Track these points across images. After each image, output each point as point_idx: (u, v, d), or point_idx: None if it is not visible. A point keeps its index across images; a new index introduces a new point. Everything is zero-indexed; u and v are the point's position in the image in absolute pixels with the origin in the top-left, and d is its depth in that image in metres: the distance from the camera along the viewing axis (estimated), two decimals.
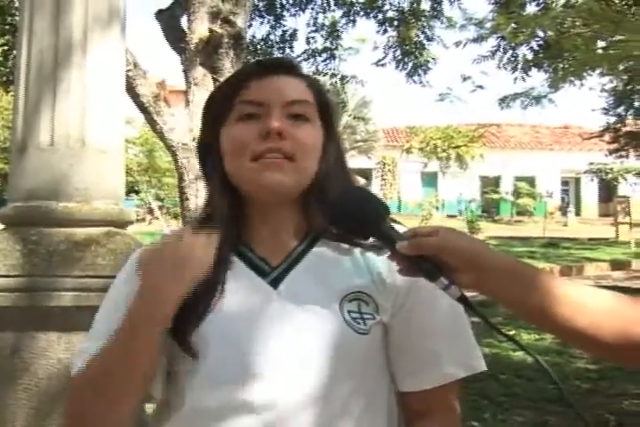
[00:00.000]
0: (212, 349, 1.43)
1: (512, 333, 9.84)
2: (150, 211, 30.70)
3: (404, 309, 1.51)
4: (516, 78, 14.33)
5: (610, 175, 39.91)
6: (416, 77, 14.40)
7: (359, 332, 1.45)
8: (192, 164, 6.81)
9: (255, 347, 1.42)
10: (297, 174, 1.47)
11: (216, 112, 1.53)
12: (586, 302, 1.31)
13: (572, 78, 12.59)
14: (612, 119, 26.59)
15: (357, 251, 1.53)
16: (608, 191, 43.91)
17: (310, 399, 1.41)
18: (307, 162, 1.48)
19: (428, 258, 1.33)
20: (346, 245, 1.52)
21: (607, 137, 28.16)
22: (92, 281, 2.75)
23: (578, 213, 43.21)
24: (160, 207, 29.23)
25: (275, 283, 1.48)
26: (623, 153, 28.97)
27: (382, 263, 1.50)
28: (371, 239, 1.42)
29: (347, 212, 1.39)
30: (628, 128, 27.29)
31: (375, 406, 1.50)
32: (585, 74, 12.22)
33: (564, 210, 42.15)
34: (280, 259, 1.51)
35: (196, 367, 1.44)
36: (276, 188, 1.46)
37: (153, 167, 28.27)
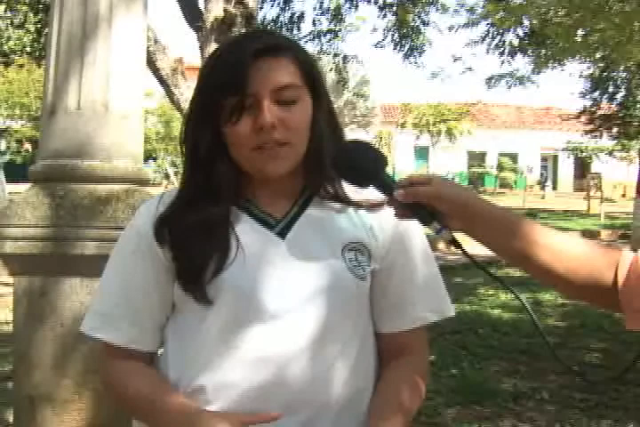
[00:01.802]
0: (227, 296, 1.43)
1: (490, 293, 9.92)
2: (167, 176, 30.65)
3: (388, 257, 1.53)
4: (502, 62, 14.30)
5: (584, 153, 39.90)
6: (412, 59, 14.34)
7: (359, 277, 1.48)
8: None
9: (269, 293, 1.44)
10: (293, 156, 1.47)
11: (207, 101, 1.46)
12: (564, 249, 1.33)
13: (553, 64, 12.56)
14: (589, 103, 26.59)
15: (350, 208, 1.54)
16: (582, 168, 43.90)
17: (319, 334, 1.44)
18: (301, 140, 1.47)
19: (423, 204, 1.35)
20: (339, 204, 1.54)
21: (583, 119, 28.18)
22: (112, 232, 2.76)
23: (554, 188, 43.23)
24: (175, 173, 29.17)
25: (281, 234, 1.49)
26: (597, 134, 29.01)
27: (372, 218, 1.52)
28: (370, 187, 1.42)
29: (350, 162, 1.40)
30: (602, 111, 27.30)
31: (367, 348, 1.53)
32: (565, 60, 12.17)
33: (542, 184, 42.12)
34: (282, 213, 1.51)
35: (207, 314, 1.45)
36: (275, 174, 1.46)
37: (169, 136, 28.18)
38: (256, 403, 1.42)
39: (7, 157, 24.42)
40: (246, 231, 1.48)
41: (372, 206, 1.49)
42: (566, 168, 47.82)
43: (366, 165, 1.40)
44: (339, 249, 1.48)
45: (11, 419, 4.54)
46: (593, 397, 5.53)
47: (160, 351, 1.57)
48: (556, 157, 47.63)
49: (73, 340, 2.88)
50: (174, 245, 1.47)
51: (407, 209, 1.37)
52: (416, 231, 1.56)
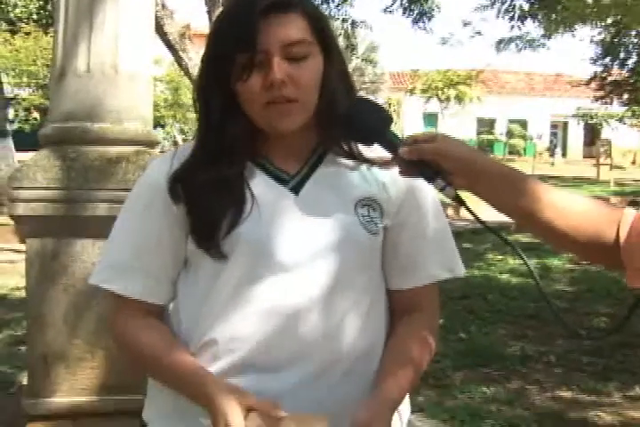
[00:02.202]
0: (241, 251, 1.44)
1: (499, 258, 9.94)
2: (175, 143, 30.61)
3: (400, 214, 1.54)
4: (512, 27, 14.16)
5: (595, 120, 39.66)
6: (421, 24, 14.22)
7: (372, 232, 1.49)
8: None
9: (283, 247, 1.45)
10: (304, 112, 1.46)
11: (218, 59, 1.45)
12: (568, 207, 1.33)
13: (564, 29, 12.42)
14: (599, 69, 26.38)
15: (363, 165, 1.55)
16: (592, 135, 43.64)
17: (331, 289, 1.46)
18: (311, 97, 1.47)
19: (427, 162, 1.35)
20: (352, 161, 1.55)
21: (594, 85, 27.97)
22: (123, 194, 2.77)
23: (564, 155, 43.07)
24: (184, 140, 29.13)
25: (295, 190, 1.50)
26: (607, 100, 28.83)
27: (385, 175, 1.53)
28: (375, 145, 1.43)
29: (355, 120, 1.40)
30: (612, 77, 27.08)
31: (378, 303, 1.55)
32: (575, 25, 12.04)
33: (551, 151, 41.94)
34: (296, 170, 1.52)
35: (221, 269, 1.46)
36: (287, 130, 1.46)
37: (178, 103, 28.10)
38: (266, 355, 1.44)
39: (15, 126, 24.41)
40: (260, 187, 1.49)
41: (385, 163, 1.50)
42: (576, 135, 47.55)
43: (371, 122, 1.41)
44: (351, 205, 1.50)
45: (25, 381, 4.62)
46: (600, 360, 5.58)
47: (170, 306, 1.58)
48: (565, 124, 47.38)
49: (85, 300, 2.92)
50: (188, 202, 1.47)
51: (411, 167, 1.38)
52: (428, 189, 1.55)
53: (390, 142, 1.40)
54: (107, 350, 2.94)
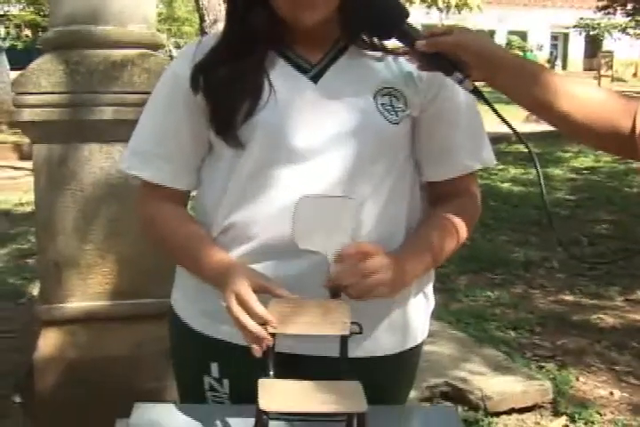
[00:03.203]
0: (258, 138, 1.45)
1: (500, 168, 9.96)
2: (171, 58, 30.16)
3: (432, 105, 1.53)
4: None
5: (596, 31, 39.10)
6: None
7: (390, 121, 1.48)
8: (212, 4, 6.66)
9: (300, 134, 1.45)
10: (328, 4, 1.44)
11: None
12: (585, 98, 1.33)
13: None
14: None
15: (389, 57, 1.53)
16: (593, 47, 43.12)
17: (348, 176, 1.46)
18: None
19: (445, 55, 1.34)
20: (377, 53, 1.53)
21: None
22: (128, 97, 2.77)
23: (564, 67, 42.65)
24: None
25: (315, 79, 1.49)
26: (611, 10, 28.34)
27: (412, 65, 1.52)
28: (393, 39, 1.42)
29: (374, 13, 1.38)
30: None
31: (398, 193, 1.54)
32: None
33: (552, 63, 41.46)
34: (318, 58, 1.51)
35: (239, 157, 1.47)
36: (310, 22, 1.44)
37: (172, 17, 27.64)
38: (282, 241, 1.45)
39: (7, 44, 23.99)
40: (281, 76, 1.49)
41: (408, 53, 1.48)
42: (577, 47, 47.00)
43: (389, 15, 1.39)
44: (371, 93, 1.49)
45: (34, 292, 4.68)
46: (601, 265, 5.65)
47: (195, 193, 1.63)
48: (566, 36, 46.74)
49: (94, 205, 2.92)
50: (207, 91, 1.48)
51: (429, 60, 1.37)
52: None
53: (408, 35, 1.39)
54: (118, 254, 2.96)
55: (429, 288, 1.66)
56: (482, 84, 1.39)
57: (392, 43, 1.50)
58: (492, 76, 1.35)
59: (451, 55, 1.34)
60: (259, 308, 1.32)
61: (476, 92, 1.38)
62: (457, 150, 1.56)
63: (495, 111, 1.40)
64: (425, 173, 1.59)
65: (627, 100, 1.35)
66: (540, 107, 1.36)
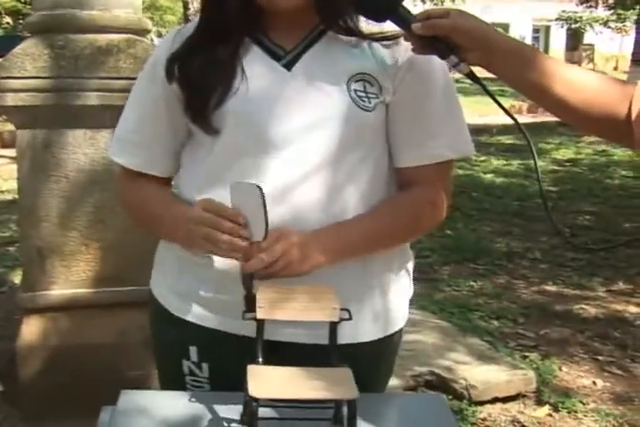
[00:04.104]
0: (230, 125, 1.45)
1: (482, 159, 9.98)
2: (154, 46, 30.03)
3: (403, 89, 1.50)
4: None
5: (578, 24, 39.19)
6: None
7: (363, 108, 1.46)
8: None
9: (271, 121, 1.44)
10: None
11: None
12: (580, 82, 1.32)
13: None
14: None
15: (364, 42, 1.50)
16: (575, 40, 43.24)
17: (321, 165, 1.45)
18: None
19: (440, 38, 1.33)
20: (352, 38, 1.50)
21: None
22: (114, 82, 2.73)
23: None
24: None
25: (288, 66, 1.48)
26: (592, 3, 28.44)
27: (386, 51, 1.50)
28: (388, 22, 1.40)
29: None
30: None
31: (378, 177, 1.53)
32: None
33: None
34: (293, 45, 1.49)
35: (214, 143, 1.47)
36: (286, 7, 1.42)
37: (155, 6, 27.47)
38: None
39: None
40: (254, 63, 1.48)
41: (388, 38, 1.47)
42: (558, 40, 47.07)
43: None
44: (344, 80, 1.47)
45: (16, 280, 4.64)
46: (584, 256, 5.68)
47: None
48: (548, 29, 46.82)
49: (78, 192, 2.89)
50: (181, 80, 1.48)
51: (424, 43, 1.36)
52: (438, 65, 1.51)
53: (403, 18, 1.37)
54: (102, 241, 2.93)
55: (409, 275, 1.66)
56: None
57: (379, 27, 1.47)
58: (487, 59, 1.34)
59: (447, 38, 1.33)
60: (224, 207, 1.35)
61: (472, 76, 1.37)
62: (431, 138, 1.53)
63: (491, 96, 1.40)
64: (397, 158, 1.56)
65: (622, 85, 1.34)
66: (536, 91, 1.35)
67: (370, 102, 1.47)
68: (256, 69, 1.47)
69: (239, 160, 1.46)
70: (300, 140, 1.45)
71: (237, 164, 1.46)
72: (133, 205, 1.64)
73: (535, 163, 1.40)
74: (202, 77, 1.46)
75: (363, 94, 1.47)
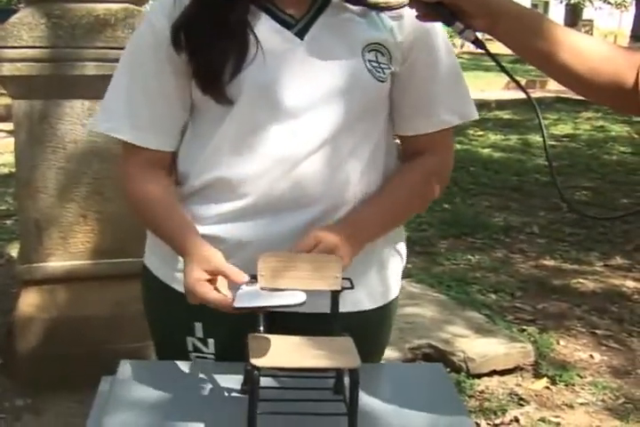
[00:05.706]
0: (246, 95, 1.41)
1: (480, 133, 9.96)
2: None
3: (409, 59, 1.49)
4: None
5: None
6: None
7: (379, 79, 1.45)
8: None
9: (287, 91, 1.42)
10: None
11: None
12: (587, 49, 1.29)
13: None
14: None
15: (371, 12, 1.48)
16: (573, 15, 43.04)
17: (330, 136, 1.43)
18: None
19: (446, 4, 1.30)
20: (359, 7, 1.48)
21: None
22: (112, 52, 2.70)
23: None
24: None
25: (300, 34, 1.45)
26: None
27: (394, 20, 1.48)
28: None
29: None
30: None
31: (380, 150, 1.53)
32: None
33: None
34: (301, 13, 1.46)
35: (227, 114, 1.43)
36: None
37: None
38: (268, 198, 1.44)
39: None
40: (265, 31, 1.44)
41: (393, 7, 1.44)
42: (557, 15, 46.80)
43: None
44: (358, 49, 1.45)
45: (13, 253, 4.63)
46: (582, 231, 5.68)
47: None
48: (546, 4, 46.60)
49: (76, 163, 2.88)
50: (190, 49, 1.42)
51: (430, 10, 1.33)
52: (440, 32, 1.51)
53: None
54: (100, 213, 2.92)
55: (402, 245, 1.65)
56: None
57: None
58: (492, 25, 1.31)
59: (452, 5, 1.30)
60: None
61: (478, 43, 1.35)
62: (437, 105, 1.52)
63: (498, 63, 1.37)
64: (402, 126, 1.55)
65: (630, 53, 1.31)
66: (542, 57, 1.32)
67: (384, 73, 1.46)
68: (268, 37, 1.43)
69: (254, 129, 1.43)
70: (315, 109, 1.43)
71: (252, 133, 1.43)
72: (136, 201, 1.55)
73: (544, 136, 1.38)
74: (214, 45, 1.41)
75: (376, 65, 1.45)
